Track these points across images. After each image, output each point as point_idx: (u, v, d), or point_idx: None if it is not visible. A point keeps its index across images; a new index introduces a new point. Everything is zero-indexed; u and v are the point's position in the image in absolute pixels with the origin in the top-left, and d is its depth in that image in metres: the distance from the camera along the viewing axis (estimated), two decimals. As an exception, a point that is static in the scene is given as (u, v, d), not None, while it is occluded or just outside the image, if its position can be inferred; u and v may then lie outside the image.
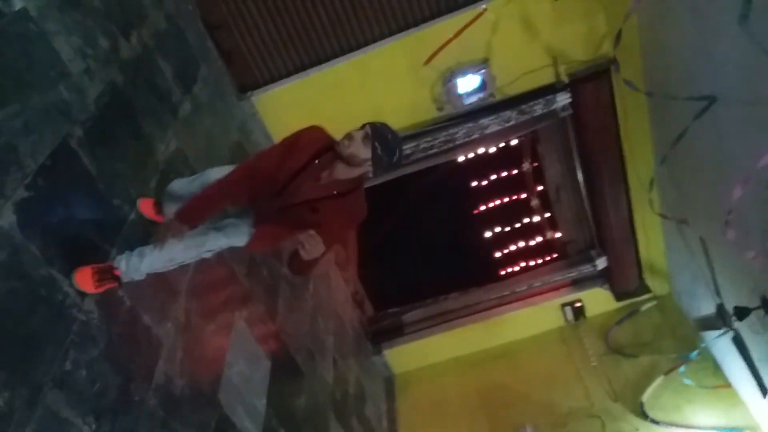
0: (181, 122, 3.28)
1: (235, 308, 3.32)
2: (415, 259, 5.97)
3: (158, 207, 2.71)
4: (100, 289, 2.26)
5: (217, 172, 2.56)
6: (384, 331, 5.83)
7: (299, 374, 3.94)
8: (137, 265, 2.39)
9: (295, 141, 2.40)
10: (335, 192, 2.33)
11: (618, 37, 3.58)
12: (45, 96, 2.25)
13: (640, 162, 4.56)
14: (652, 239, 5.19)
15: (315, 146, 2.36)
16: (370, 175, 2.31)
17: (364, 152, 2.24)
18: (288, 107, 4.32)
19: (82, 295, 2.18)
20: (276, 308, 3.86)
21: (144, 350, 2.47)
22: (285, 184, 2.34)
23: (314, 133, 2.44)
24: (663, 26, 3.61)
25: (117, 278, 2.34)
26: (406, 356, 5.97)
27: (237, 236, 2.47)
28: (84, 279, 2.20)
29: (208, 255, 2.51)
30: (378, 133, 2.24)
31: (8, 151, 2.00)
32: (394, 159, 2.28)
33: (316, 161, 2.33)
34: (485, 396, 5.48)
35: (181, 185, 2.67)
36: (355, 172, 2.30)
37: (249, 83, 4.21)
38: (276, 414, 3.38)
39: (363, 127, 2.27)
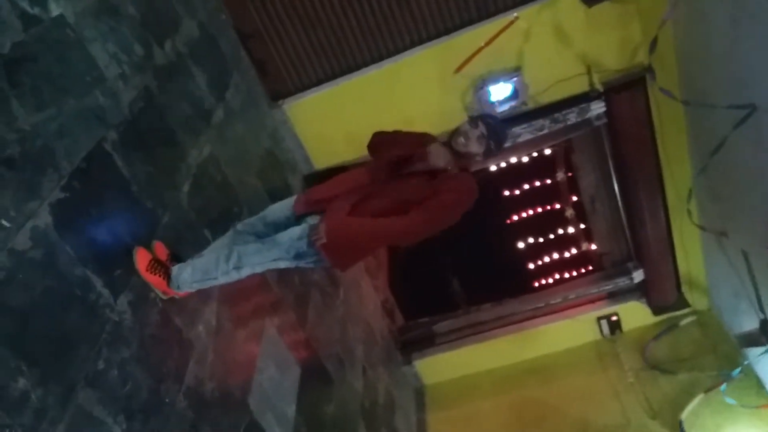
0: (214, 128, 3.33)
1: (266, 314, 3.33)
2: (446, 269, 5.92)
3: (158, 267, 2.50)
4: (148, 276, 2.37)
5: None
6: (414, 341, 5.78)
7: (329, 382, 3.93)
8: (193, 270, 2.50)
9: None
10: (449, 168, 2.48)
11: (653, 45, 3.52)
12: (81, 100, 2.31)
13: (678, 172, 4.46)
14: (691, 252, 5.05)
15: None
16: (479, 159, 2.49)
17: (478, 149, 2.43)
18: (319, 115, 4.36)
19: (116, 295, 2.22)
20: (306, 315, 3.86)
21: (175, 352, 2.49)
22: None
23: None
24: (699, 33, 3.53)
25: (168, 275, 2.44)
26: (437, 367, 5.90)
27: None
28: (142, 259, 2.36)
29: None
30: (492, 131, 2.42)
31: (45, 154, 2.05)
32: (500, 149, 2.50)
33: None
34: (518, 410, 5.37)
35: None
36: (468, 163, 2.52)
37: (281, 91, 4.27)
38: (305, 421, 3.37)
39: (475, 123, 2.42)
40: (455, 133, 2.46)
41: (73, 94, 2.27)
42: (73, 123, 2.22)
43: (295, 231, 2.51)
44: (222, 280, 2.55)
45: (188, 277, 2.50)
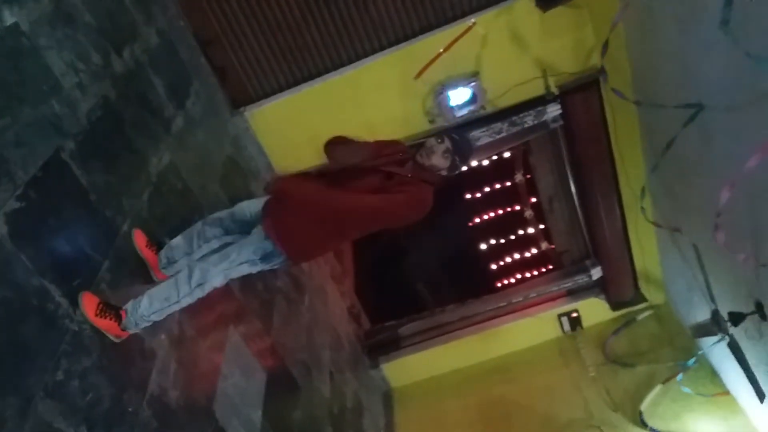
0: (174, 137, 3.31)
1: (229, 321, 3.32)
2: (411, 272, 5.98)
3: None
4: (98, 322, 2.23)
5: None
6: (381, 345, 5.81)
7: (295, 387, 3.93)
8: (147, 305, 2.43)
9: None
10: (409, 175, 2.55)
11: (605, 47, 3.63)
12: (36, 110, 2.28)
13: (632, 171, 4.59)
14: (647, 248, 5.20)
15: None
16: (444, 173, 2.57)
17: (443, 164, 2.51)
18: (281, 122, 4.36)
19: (75, 305, 2.19)
20: (271, 322, 3.86)
21: (137, 361, 2.47)
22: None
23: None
24: (649, 35, 3.65)
25: (119, 317, 2.32)
26: (404, 370, 5.94)
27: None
28: (89, 304, 2.21)
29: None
30: (457, 147, 2.50)
31: (-1, 163, 2.03)
32: (466, 164, 2.62)
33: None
34: (484, 409, 5.44)
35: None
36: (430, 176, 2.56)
37: (241, 98, 4.25)
38: (272, 427, 3.37)
39: (441, 139, 2.50)
40: (421, 147, 2.55)
41: (28, 103, 2.24)
42: (29, 132, 2.19)
43: (260, 231, 2.53)
44: (185, 302, 2.52)
45: (145, 310, 2.42)
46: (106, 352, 2.27)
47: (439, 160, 2.51)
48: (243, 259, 2.53)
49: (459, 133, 2.60)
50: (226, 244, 2.72)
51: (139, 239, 2.64)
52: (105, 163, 2.61)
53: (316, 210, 2.54)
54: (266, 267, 2.59)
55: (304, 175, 2.61)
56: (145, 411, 2.39)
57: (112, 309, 2.30)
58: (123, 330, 2.35)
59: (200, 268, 2.53)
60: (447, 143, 2.50)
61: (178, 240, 2.81)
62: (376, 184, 2.54)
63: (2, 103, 2.11)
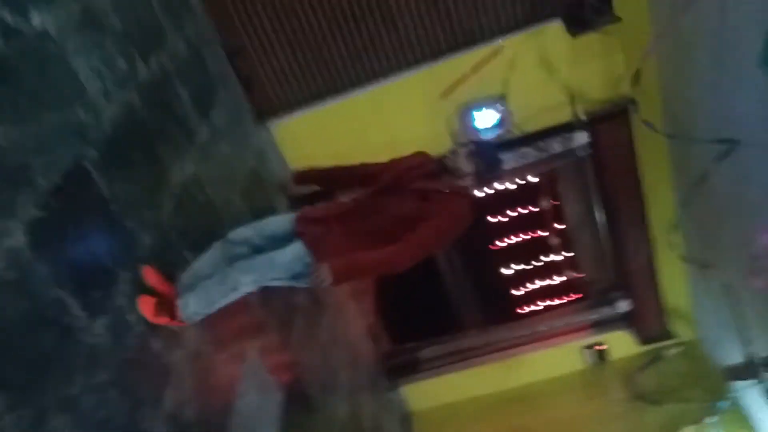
0: (198, 147, 3.28)
1: (247, 338, 3.26)
2: (433, 294, 5.86)
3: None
4: (160, 320, 2.39)
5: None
6: (400, 367, 5.71)
7: (312, 408, 3.84)
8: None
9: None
10: (447, 190, 2.57)
11: (636, 77, 3.56)
12: (60, 116, 2.25)
13: (662, 204, 4.48)
14: (677, 283, 5.05)
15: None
16: (474, 186, 2.62)
17: (467, 167, 2.54)
18: (305, 136, 4.34)
19: (93, 318, 2.14)
20: (290, 339, 3.79)
21: (153, 377, 2.42)
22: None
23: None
24: (682, 67, 3.57)
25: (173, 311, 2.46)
26: (423, 393, 5.83)
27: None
28: (147, 306, 2.38)
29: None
30: (481, 151, 2.59)
31: (21, 170, 1.99)
32: (494, 174, 2.66)
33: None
34: (503, 439, 5.31)
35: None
36: (460, 182, 2.58)
37: (267, 110, 4.24)
38: (287, 448, 3.29)
39: (465, 144, 2.62)
40: (447, 155, 2.62)
41: (53, 109, 2.22)
42: (52, 139, 2.16)
43: (296, 251, 2.53)
44: (222, 303, 2.58)
45: (196, 307, 2.54)
46: (122, 367, 2.22)
47: (462, 162, 2.56)
48: (274, 275, 2.58)
49: (486, 142, 2.65)
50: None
51: (151, 277, 2.51)
52: (127, 172, 2.58)
53: (369, 277, 2.67)
54: (294, 284, 2.61)
55: (342, 228, 2.57)
56: (160, 427, 2.34)
57: (167, 303, 2.46)
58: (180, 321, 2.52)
59: (232, 273, 2.58)
60: (471, 146, 2.60)
61: (201, 266, 2.73)
62: (413, 210, 2.52)
63: (26, 109, 2.08)
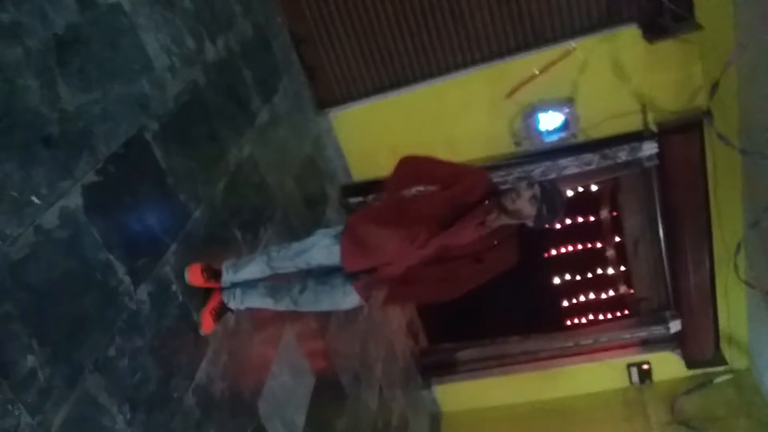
0: (257, 130, 3.33)
1: (286, 320, 3.30)
2: (477, 296, 5.79)
3: (209, 272, 2.61)
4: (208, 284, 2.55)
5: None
6: (436, 366, 5.67)
7: (343, 396, 3.86)
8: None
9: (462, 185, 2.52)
10: (495, 242, 2.46)
11: (714, 89, 3.38)
12: (126, 87, 2.32)
13: (728, 223, 4.27)
14: (734, 307, 4.82)
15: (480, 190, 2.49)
16: (530, 224, 2.40)
17: (530, 210, 2.34)
18: (363, 127, 4.35)
19: (137, 284, 2.21)
20: (328, 326, 3.82)
21: (189, 348, 2.47)
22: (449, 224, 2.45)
23: (480, 177, 2.57)
24: (763, 81, 3.37)
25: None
26: (456, 395, 5.78)
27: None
28: (195, 274, 2.50)
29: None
30: (546, 196, 2.33)
31: (84, 136, 2.07)
32: (556, 218, 2.40)
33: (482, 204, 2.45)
34: (534, 450, 5.22)
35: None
36: (514, 222, 2.42)
37: (328, 99, 4.26)
38: (314, 433, 3.32)
39: (531, 184, 2.38)
40: (508, 190, 2.42)
41: (119, 80, 2.29)
42: (116, 108, 2.24)
43: (349, 299, 2.62)
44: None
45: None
46: (160, 334, 2.28)
47: (524, 205, 2.33)
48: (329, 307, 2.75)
49: (551, 183, 2.43)
50: None
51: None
52: (186, 147, 2.64)
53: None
54: None
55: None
56: (190, 399, 2.39)
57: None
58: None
59: (293, 298, 2.71)
60: (536, 189, 2.34)
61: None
62: (476, 245, 2.46)
63: (94, 78, 2.16)
